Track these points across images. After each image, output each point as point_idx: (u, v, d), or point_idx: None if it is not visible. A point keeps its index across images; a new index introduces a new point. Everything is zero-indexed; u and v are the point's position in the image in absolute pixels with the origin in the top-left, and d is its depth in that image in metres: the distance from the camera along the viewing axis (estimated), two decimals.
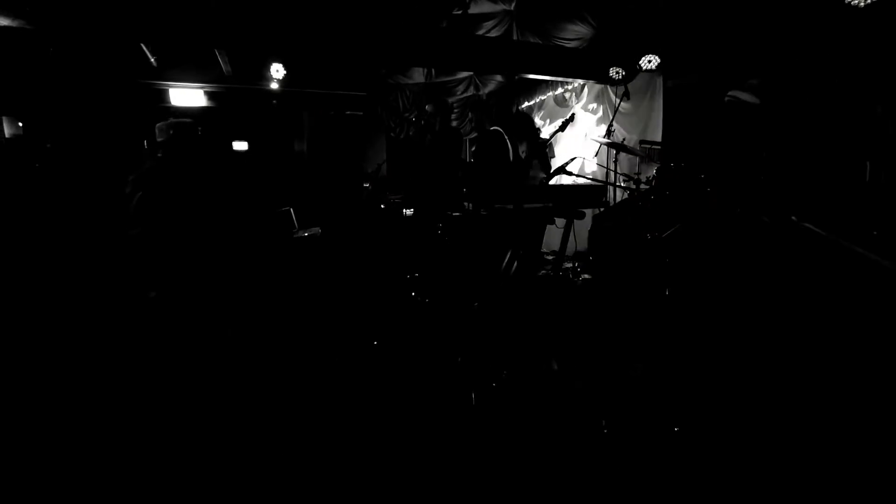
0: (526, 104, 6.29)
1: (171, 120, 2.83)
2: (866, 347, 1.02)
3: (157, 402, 2.36)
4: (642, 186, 3.58)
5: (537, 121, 5.74)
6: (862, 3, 2.72)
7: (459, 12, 4.19)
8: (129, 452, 2.15)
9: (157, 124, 2.61)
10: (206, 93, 6.10)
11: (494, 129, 3.78)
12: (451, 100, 5.85)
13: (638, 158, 4.13)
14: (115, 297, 2.47)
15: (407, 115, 6.16)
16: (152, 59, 5.17)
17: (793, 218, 1.18)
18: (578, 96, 5.48)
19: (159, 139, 2.48)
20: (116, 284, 2.36)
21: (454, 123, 5.51)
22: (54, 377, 2.85)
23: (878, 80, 2.98)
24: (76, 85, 5.21)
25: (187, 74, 5.74)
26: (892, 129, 3.04)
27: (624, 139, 4.27)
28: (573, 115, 5.01)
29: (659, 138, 4.42)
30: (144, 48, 4.93)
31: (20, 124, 4.71)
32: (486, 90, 6.13)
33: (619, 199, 4.38)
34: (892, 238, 0.97)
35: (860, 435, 1.09)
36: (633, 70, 4.30)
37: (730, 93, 3.39)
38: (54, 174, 4.77)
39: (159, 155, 2.48)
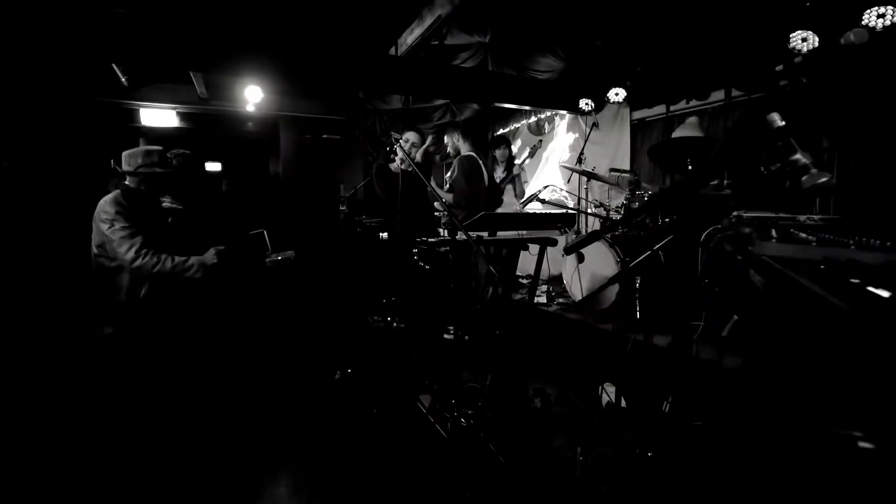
0: (501, 131, 6.47)
1: (176, 151, 2.73)
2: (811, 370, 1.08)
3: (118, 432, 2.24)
4: (612, 214, 3.71)
5: (513, 148, 5.90)
6: (805, 49, 2.97)
7: (436, 43, 4.33)
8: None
9: (167, 153, 2.47)
10: (178, 113, 6.01)
11: (469, 154, 3.87)
12: (427, 126, 5.96)
13: (608, 186, 4.29)
14: (77, 325, 2.34)
15: (385, 139, 6.23)
16: (123, 79, 5.08)
17: (750, 249, 1.25)
18: (551, 125, 5.69)
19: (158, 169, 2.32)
20: (79, 311, 2.24)
21: (431, 149, 5.59)
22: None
23: (823, 115, 3.24)
24: (41, 102, 5.05)
25: (160, 95, 5.65)
26: (836, 161, 3.28)
27: (594, 167, 4.43)
28: (540, 140, 5.20)
29: (627, 166, 4.62)
30: (115, 68, 4.85)
31: None
32: (463, 117, 6.28)
33: (590, 225, 4.51)
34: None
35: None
36: (601, 102, 4.51)
37: (674, 134, 3.61)
38: (11, 192, 4.56)
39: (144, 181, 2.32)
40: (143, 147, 2.33)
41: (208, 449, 2.43)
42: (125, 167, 2.28)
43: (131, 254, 2.11)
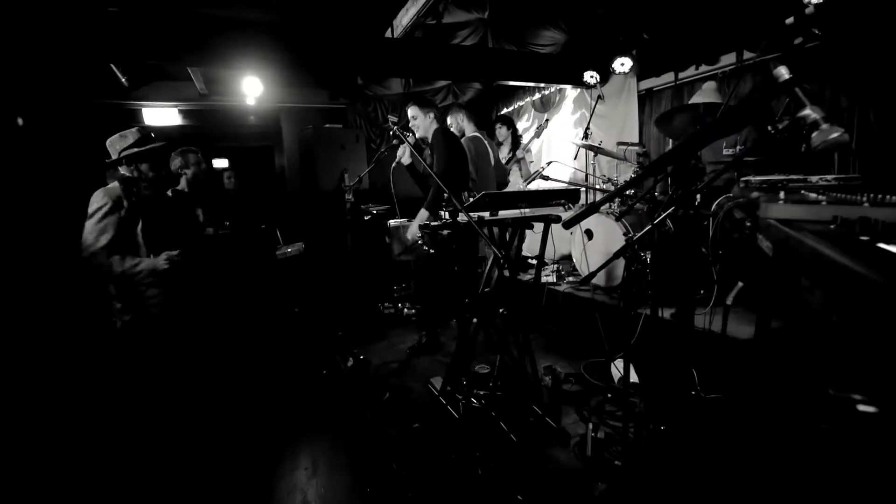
0: (505, 110, 6.34)
1: (182, 148, 3.18)
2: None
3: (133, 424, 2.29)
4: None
5: (518, 126, 5.78)
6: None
7: (433, 22, 4.22)
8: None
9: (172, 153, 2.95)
10: (180, 111, 6.02)
11: (474, 135, 3.79)
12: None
13: (616, 160, 4.18)
14: (90, 321, 2.41)
15: (386, 125, 6.17)
16: (123, 80, 5.09)
17: (758, 213, 1.19)
18: (556, 101, 5.55)
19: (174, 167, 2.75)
20: (93, 307, 2.30)
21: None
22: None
23: (841, 71, 3.07)
24: (48, 109, 5.10)
25: (160, 93, 5.67)
26: (856, 120, 3.13)
27: (601, 141, 4.31)
28: (547, 120, 5.06)
29: (635, 139, 4.48)
30: (114, 68, 4.86)
31: None
32: (465, 98, 6.16)
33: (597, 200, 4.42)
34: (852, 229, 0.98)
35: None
36: (606, 73, 4.37)
37: (693, 99, 3.46)
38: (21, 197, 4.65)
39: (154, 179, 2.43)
40: (119, 133, 2.33)
41: (225, 434, 2.48)
42: (112, 156, 2.33)
43: (94, 247, 2.15)
